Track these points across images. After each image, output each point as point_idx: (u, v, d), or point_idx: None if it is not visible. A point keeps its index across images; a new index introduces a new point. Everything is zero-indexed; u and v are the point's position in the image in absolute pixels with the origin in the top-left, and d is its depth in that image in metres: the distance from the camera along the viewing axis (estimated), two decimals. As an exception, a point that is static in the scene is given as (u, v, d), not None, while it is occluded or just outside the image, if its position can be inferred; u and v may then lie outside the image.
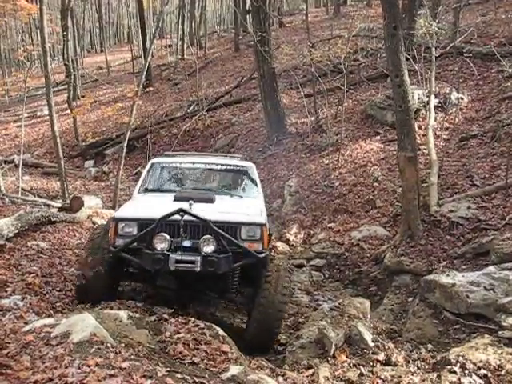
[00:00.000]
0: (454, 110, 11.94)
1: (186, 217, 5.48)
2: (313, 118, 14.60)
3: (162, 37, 40.57)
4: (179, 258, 5.43)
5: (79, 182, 16.71)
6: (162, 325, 5.04)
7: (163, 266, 5.40)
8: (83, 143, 19.99)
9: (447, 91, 12.37)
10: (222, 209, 6.15)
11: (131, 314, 5.16)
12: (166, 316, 5.29)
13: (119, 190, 12.34)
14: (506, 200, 8.12)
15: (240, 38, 30.01)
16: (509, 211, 7.79)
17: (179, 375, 3.75)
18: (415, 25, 13.56)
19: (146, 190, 7.34)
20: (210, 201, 6.33)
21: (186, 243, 5.56)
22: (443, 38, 13.64)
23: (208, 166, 7.85)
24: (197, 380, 3.72)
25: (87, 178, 17.46)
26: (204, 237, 5.50)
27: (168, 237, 5.49)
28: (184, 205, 5.64)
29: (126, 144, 11.58)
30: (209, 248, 5.49)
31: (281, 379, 4.46)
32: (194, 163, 7.87)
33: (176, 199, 6.16)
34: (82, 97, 26.96)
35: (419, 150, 10.04)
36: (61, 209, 10.66)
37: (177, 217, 5.47)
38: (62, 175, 11.82)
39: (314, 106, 14.68)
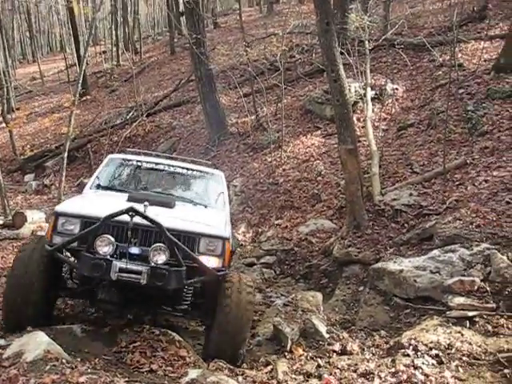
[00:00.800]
0: (390, 100, 12.21)
1: (137, 219, 4.75)
2: (253, 117, 14.65)
3: (96, 43, 39.88)
4: (123, 266, 4.67)
5: (20, 196, 16.26)
6: (117, 335, 4.99)
7: (103, 273, 4.63)
8: (21, 157, 19.42)
9: (382, 83, 12.65)
10: (180, 216, 5.43)
11: (84, 326, 5.09)
12: (120, 326, 5.23)
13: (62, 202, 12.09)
14: (445, 185, 8.39)
15: (175, 40, 29.84)
16: (448, 195, 8.04)
17: (138, 384, 3.73)
18: (347, 19, 13.79)
19: (99, 187, 6.48)
20: (168, 205, 5.59)
21: (134, 250, 4.85)
22: (375, 32, 13.95)
23: (172, 169, 7.01)
24: (156, 387, 3.71)
25: (28, 193, 17.00)
26: (155, 244, 4.80)
27: (113, 239, 4.75)
28: (137, 206, 4.86)
29: (66, 155, 11.35)
30: (160, 258, 4.78)
31: (240, 378, 4.49)
32: (156, 164, 7.04)
33: (130, 199, 5.39)
34: (17, 109, 26.28)
35: (359, 141, 10.25)
36: (3, 226, 10.41)
37: (126, 218, 4.75)
38: (1, 191, 11.48)
39: (254, 105, 14.73)
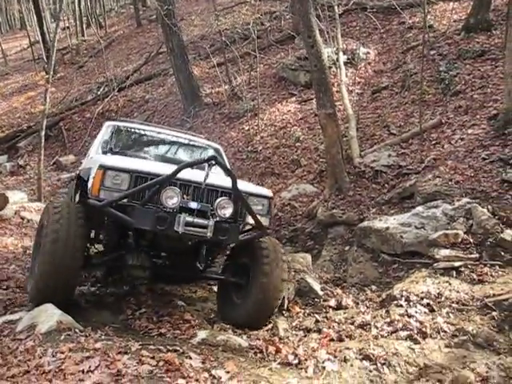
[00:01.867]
0: (362, 64, 12.39)
1: (188, 176, 4.72)
2: (227, 87, 14.69)
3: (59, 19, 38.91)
4: (190, 219, 4.52)
5: (-5, 178, 16.11)
6: (121, 304, 5.15)
7: (168, 227, 4.47)
8: (-8, 138, 19.16)
9: (354, 47, 12.79)
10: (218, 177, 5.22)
11: (88, 298, 5.24)
12: (122, 295, 5.39)
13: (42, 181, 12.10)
14: (423, 144, 8.64)
15: (140, 13, 29.38)
16: (426, 154, 8.30)
17: (152, 347, 3.90)
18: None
19: (112, 151, 6.11)
20: (202, 168, 5.16)
21: (193, 205, 4.68)
22: (345, -4, 14.04)
23: (175, 139, 6.85)
24: (170, 348, 3.88)
25: (3, 174, 16.81)
26: (221, 198, 4.75)
27: (179, 191, 4.58)
28: (170, 166, 4.82)
29: (43, 133, 11.32)
30: (227, 211, 4.73)
31: (244, 337, 4.71)
32: (158, 132, 6.85)
33: (162, 160, 5.36)
34: (-18, 90, 25.75)
35: (335, 106, 10.41)
36: (-16, 208, 10.34)
37: (181, 175, 4.64)
38: (-21, 173, 11.45)
39: (227, 74, 14.75)
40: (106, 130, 6.60)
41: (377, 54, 12.81)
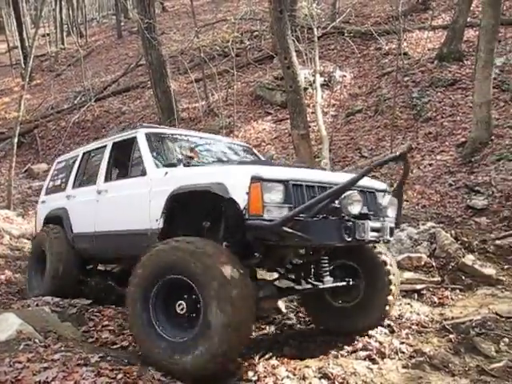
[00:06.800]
0: (338, 87, 12.59)
1: (333, 179, 4.24)
2: (204, 103, 14.79)
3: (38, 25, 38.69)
4: (373, 224, 4.10)
5: (-37, 185, 15.85)
6: (84, 316, 5.13)
7: (354, 236, 3.95)
8: (-37, 144, 18.91)
9: (331, 69, 13.01)
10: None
11: (53, 308, 5.20)
12: (86, 307, 5.36)
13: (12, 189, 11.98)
14: (393, 168, 8.80)
15: (122, 24, 29.43)
16: (396, 178, 8.45)
17: (112, 359, 3.89)
18: (297, 6, 14.07)
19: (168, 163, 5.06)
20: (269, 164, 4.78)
21: (364, 209, 4.21)
22: (324, 19, 14.27)
23: (213, 142, 6.16)
24: (130, 361, 3.88)
25: (-28, 181, 16.60)
26: (391, 199, 4.48)
27: (359, 196, 4.01)
28: (258, 168, 4.02)
29: (16, 140, 11.25)
30: (392, 212, 4.54)
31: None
32: (201, 138, 6.09)
33: (223, 163, 4.92)
34: (-43, 93, 25.46)
35: (309, 127, 10.55)
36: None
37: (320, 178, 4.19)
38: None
39: (204, 91, 14.87)
40: (146, 139, 5.44)
41: (353, 78, 13.04)
